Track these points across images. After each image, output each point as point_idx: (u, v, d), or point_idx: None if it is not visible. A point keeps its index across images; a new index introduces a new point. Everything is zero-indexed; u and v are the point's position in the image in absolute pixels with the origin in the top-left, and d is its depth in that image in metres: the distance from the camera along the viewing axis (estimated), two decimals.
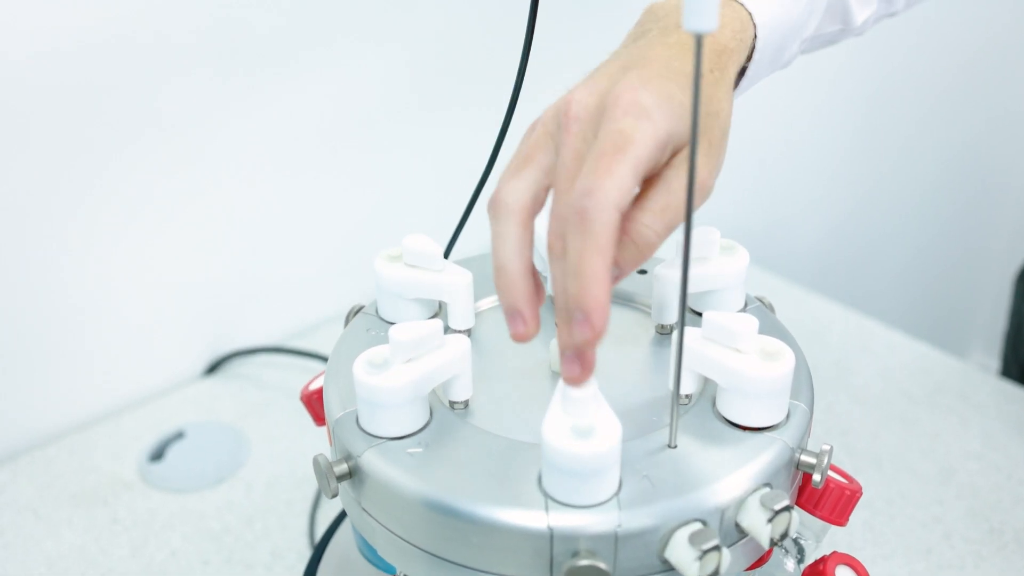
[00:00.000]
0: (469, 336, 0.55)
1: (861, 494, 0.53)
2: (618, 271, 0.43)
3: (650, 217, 0.43)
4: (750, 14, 0.55)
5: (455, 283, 0.53)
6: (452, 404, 0.49)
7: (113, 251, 0.88)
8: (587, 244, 0.40)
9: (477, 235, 0.64)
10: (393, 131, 1.03)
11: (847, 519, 0.52)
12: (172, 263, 0.92)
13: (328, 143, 0.98)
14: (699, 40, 0.37)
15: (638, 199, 0.44)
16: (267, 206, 0.97)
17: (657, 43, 0.49)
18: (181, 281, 0.94)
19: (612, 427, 0.41)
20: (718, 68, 0.50)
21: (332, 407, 0.49)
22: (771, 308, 0.57)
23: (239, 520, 0.80)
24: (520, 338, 0.44)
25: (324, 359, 0.96)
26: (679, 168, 0.44)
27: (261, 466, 0.86)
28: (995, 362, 2.04)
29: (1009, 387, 0.94)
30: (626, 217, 0.43)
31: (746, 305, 0.56)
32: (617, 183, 0.41)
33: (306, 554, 0.76)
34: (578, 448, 0.41)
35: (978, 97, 1.74)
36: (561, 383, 0.43)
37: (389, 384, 0.45)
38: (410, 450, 0.46)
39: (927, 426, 0.90)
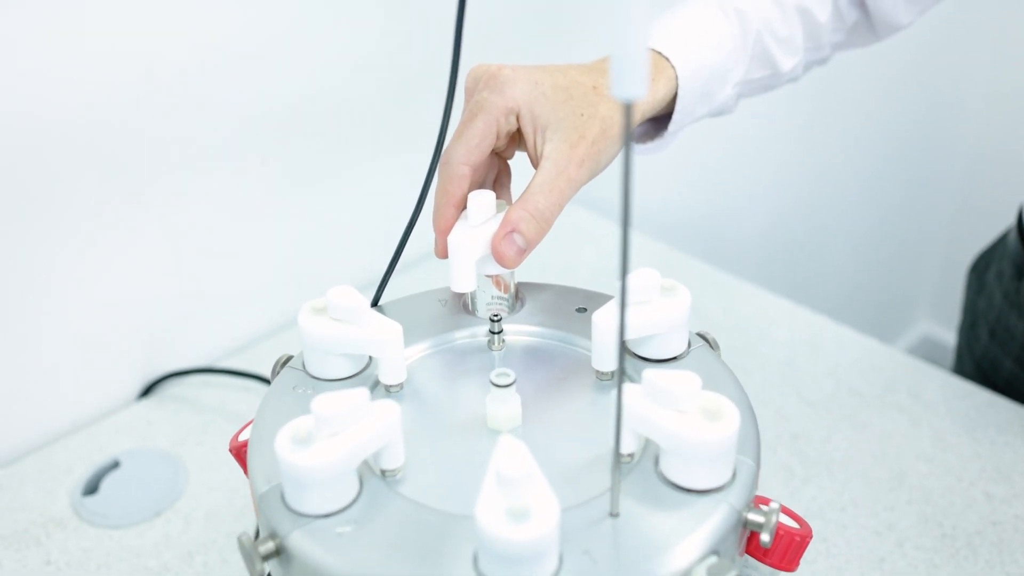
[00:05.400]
0: (400, 389, 0.52)
1: (811, 538, 0.51)
2: (525, 244, 0.55)
3: (541, 197, 0.55)
4: (668, 60, 0.64)
5: (384, 338, 0.50)
6: (383, 472, 0.46)
7: (33, 272, 0.84)
8: (439, 189, 0.56)
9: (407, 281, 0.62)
10: (326, 146, 0.99)
11: (797, 565, 0.51)
12: (99, 281, 0.88)
13: (260, 156, 0.95)
14: (628, 109, 0.34)
15: (531, 181, 0.56)
16: (199, 221, 0.93)
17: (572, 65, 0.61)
18: (110, 300, 0.90)
19: (549, 508, 0.39)
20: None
21: (257, 480, 0.47)
22: (715, 345, 0.55)
23: (178, 557, 0.78)
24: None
25: (262, 379, 0.93)
26: (551, 158, 0.56)
27: (200, 496, 0.83)
28: (944, 333, 2.06)
29: (957, 382, 0.94)
30: (524, 198, 0.55)
31: (689, 346, 0.54)
32: (464, 144, 0.55)
33: None
34: (514, 533, 0.38)
35: (919, 87, 1.75)
36: (495, 459, 0.41)
37: (314, 462, 0.42)
38: (339, 530, 0.43)
39: (878, 428, 0.89)
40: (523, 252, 0.55)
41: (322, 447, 0.43)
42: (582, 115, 0.57)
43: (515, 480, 0.40)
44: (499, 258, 0.55)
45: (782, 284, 1.56)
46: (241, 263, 0.98)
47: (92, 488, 0.84)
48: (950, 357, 2.00)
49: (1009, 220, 1.71)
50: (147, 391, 0.94)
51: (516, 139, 0.59)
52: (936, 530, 0.79)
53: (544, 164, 0.56)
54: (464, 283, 0.54)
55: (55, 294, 0.86)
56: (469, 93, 0.58)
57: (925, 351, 2.06)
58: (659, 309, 0.51)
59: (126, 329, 0.92)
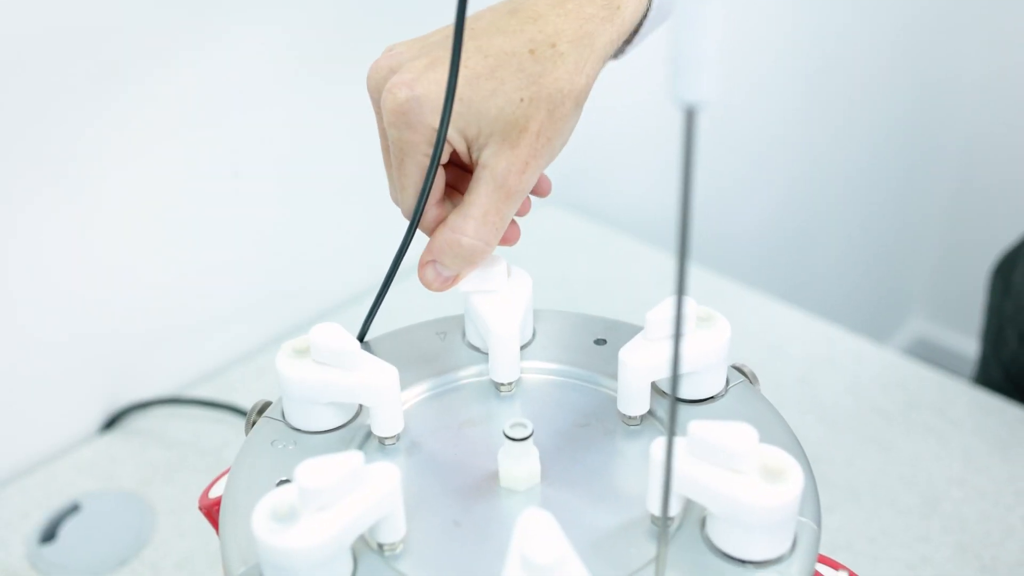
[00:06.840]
0: (396, 441, 0.45)
1: None
2: (452, 274, 0.48)
3: (472, 226, 0.46)
4: None
5: (377, 385, 0.43)
6: (380, 546, 0.39)
7: None
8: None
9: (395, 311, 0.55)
10: (298, 152, 0.92)
11: None
12: (53, 302, 0.81)
13: (230, 167, 0.87)
14: (691, 116, 0.27)
15: (461, 204, 0.46)
16: (164, 235, 0.86)
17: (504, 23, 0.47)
18: (68, 323, 0.82)
19: None
20: (570, 41, 0.46)
21: (231, 559, 0.39)
22: (754, 379, 0.49)
23: None
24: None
25: (236, 410, 0.85)
26: (488, 167, 0.46)
27: (169, 543, 0.76)
28: (939, 332, 2.02)
29: (985, 397, 0.88)
30: (452, 223, 0.46)
31: (728, 384, 0.47)
32: (409, 196, 0.47)
33: None
34: None
35: (912, 80, 1.71)
36: (518, 538, 0.34)
37: (299, 544, 0.35)
38: None
39: (905, 449, 0.83)
40: (451, 280, 0.48)
41: (308, 525, 0.35)
42: (521, 100, 0.45)
43: (546, 568, 0.33)
44: (423, 284, 0.48)
45: (775, 282, 1.51)
46: (211, 281, 0.91)
47: (49, 535, 0.77)
48: (947, 358, 1.96)
49: (1008, 217, 1.66)
50: (109, 424, 0.87)
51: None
52: (975, 562, 0.73)
53: (480, 174, 0.46)
54: (511, 372, 0.48)
55: (3, 318, 0.78)
56: (375, 103, 0.49)
57: (920, 351, 2.01)
58: (695, 343, 0.44)
59: (85, 355, 0.84)
